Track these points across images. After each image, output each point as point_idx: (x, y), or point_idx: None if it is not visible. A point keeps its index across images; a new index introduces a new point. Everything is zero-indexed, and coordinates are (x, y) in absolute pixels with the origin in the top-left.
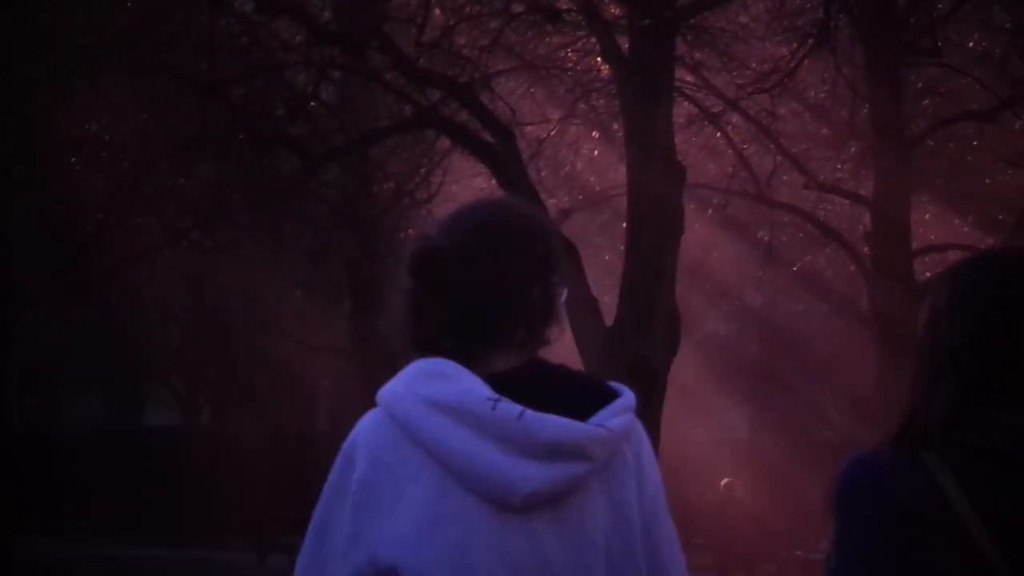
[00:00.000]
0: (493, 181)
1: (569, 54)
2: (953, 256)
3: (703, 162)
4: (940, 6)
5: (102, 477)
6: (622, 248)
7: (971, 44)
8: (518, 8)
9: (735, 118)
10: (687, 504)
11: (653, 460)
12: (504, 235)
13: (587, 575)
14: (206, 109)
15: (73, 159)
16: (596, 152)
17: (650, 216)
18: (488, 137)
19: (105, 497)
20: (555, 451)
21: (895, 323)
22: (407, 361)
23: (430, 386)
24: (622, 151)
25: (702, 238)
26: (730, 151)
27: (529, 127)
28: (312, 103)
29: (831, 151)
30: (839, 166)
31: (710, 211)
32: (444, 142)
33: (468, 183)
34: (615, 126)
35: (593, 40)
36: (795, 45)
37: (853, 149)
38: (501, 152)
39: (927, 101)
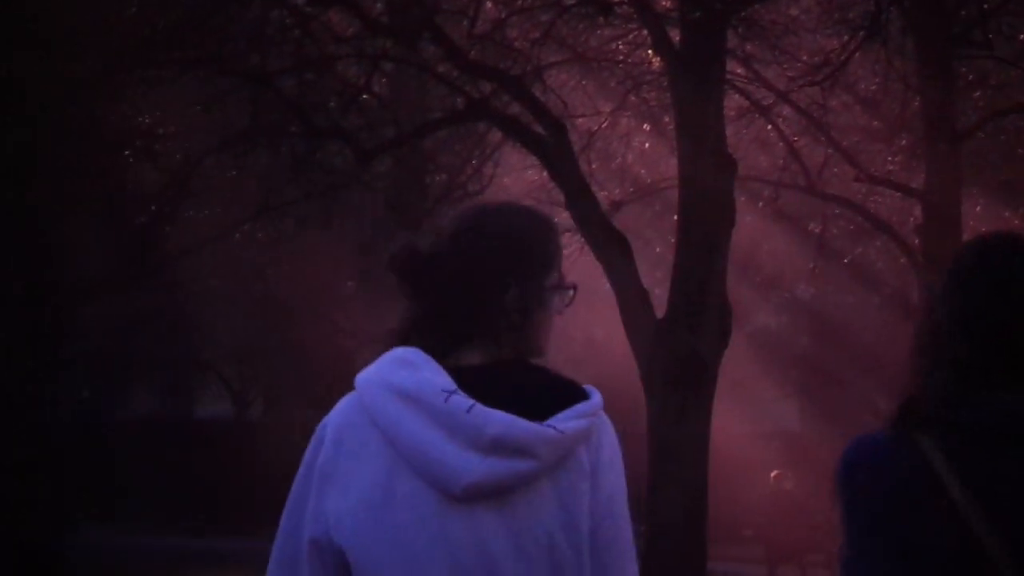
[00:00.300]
0: (544, 173)
1: (620, 47)
2: None
3: (754, 155)
4: None
5: (154, 468)
6: (673, 241)
7: (1022, 36)
8: (570, 1)
9: (786, 111)
10: (737, 496)
11: (615, 465)
12: (477, 240)
13: (528, 567)
14: (258, 102)
15: (127, 152)
16: (647, 145)
17: (701, 209)
18: (540, 129)
19: (157, 487)
20: (499, 446)
21: None
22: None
23: (396, 374)
24: (673, 144)
25: (753, 231)
26: (781, 144)
27: (580, 120)
28: (364, 95)
29: (882, 144)
30: (890, 159)
31: (761, 204)
32: (496, 134)
33: (520, 175)
34: (666, 119)
35: (644, 33)
36: (846, 38)
37: (904, 142)
38: (552, 144)
39: (978, 93)
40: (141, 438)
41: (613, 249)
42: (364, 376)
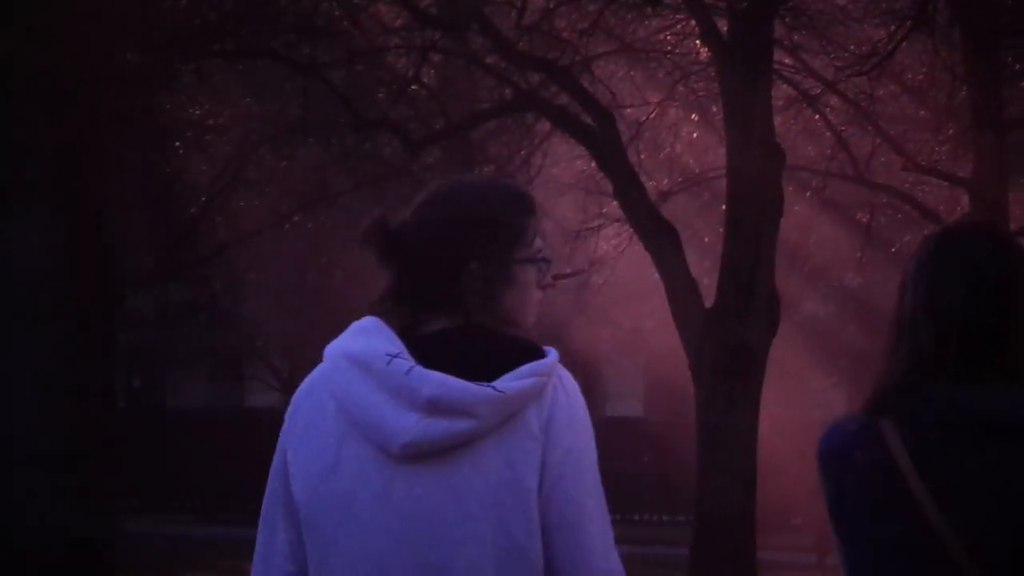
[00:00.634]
0: (593, 164)
1: (668, 37)
2: None
3: (802, 144)
4: None
5: (205, 457)
6: (721, 230)
7: None
8: None
9: (833, 100)
10: (786, 485)
11: (573, 424)
12: (436, 214)
13: (470, 525)
14: (308, 93)
15: (177, 143)
16: (695, 135)
17: (749, 198)
18: (588, 120)
19: (208, 478)
20: (435, 406)
21: None
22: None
23: (352, 341)
24: (721, 134)
25: (801, 220)
26: (828, 133)
27: (628, 110)
28: (413, 86)
29: (929, 133)
30: (937, 148)
31: (808, 193)
32: (544, 125)
33: (568, 166)
34: (714, 109)
35: (692, 23)
36: (893, 27)
37: (951, 131)
38: (601, 135)
39: None
40: (192, 428)
41: (661, 239)
42: (330, 345)
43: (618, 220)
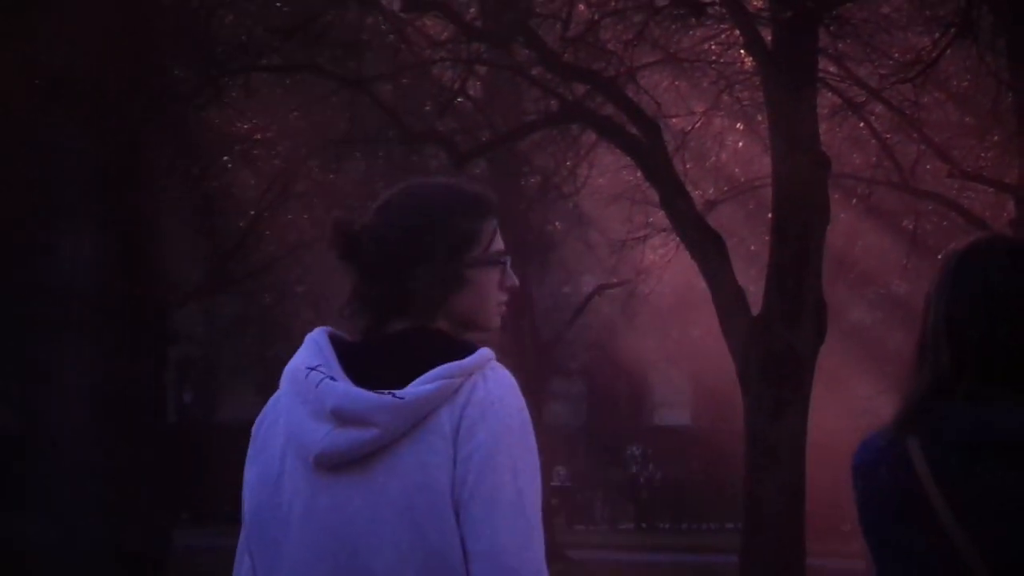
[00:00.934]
0: (639, 173)
1: (713, 47)
2: None
3: (847, 152)
4: None
5: None
6: (767, 239)
7: None
8: (662, 2)
9: (878, 108)
10: (836, 491)
11: (487, 419)
12: (393, 217)
13: (386, 531)
14: (355, 106)
15: (225, 157)
16: (741, 144)
17: (795, 206)
18: (634, 130)
19: None
20: (340, 417)
21: None
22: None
23: (295, 356)
24: (766, 142)
25: (847, 227)
26: (873, 141)
27: (674, 120)
28: (459, 99)
29: (974, 139)
30: (982, 154)
31: (854, 200)
32: (590, 135)
33: (614, 176)
34: (759, 118)
35: (736, 33)
36: (937, 35)
37: (996, 137)
38: (647, 145)
39: None
40: (242, 441)
41: (708, 248)
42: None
43: (664, 229)
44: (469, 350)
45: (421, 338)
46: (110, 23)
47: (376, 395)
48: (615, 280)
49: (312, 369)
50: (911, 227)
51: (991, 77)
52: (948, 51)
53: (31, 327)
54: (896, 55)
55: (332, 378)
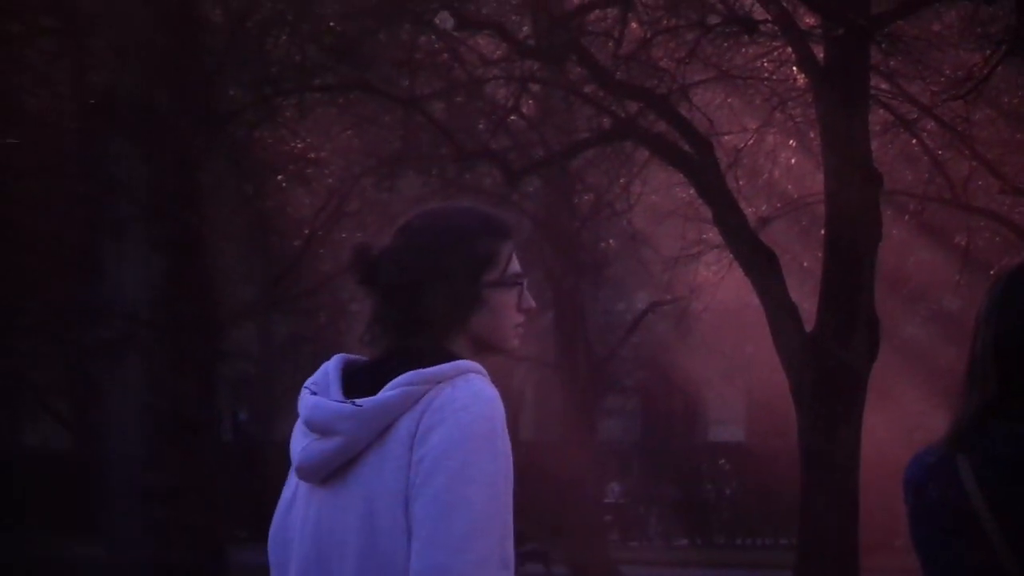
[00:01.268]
0: (691, 190)
1: (765, 64)
2: None
3: (899, 168)
4: None
5: None
6: (820, 255)
7: None
8: (714, 20)
9: (930, 125)
10: (890, 507)
11: (441, 424)
12: (411, 240)
13: (349, 539)
14: (409, 125)
15: (279, 176)
16: (793, 160)
17: (848, 223)
18: (686, 147)
19: None
20: (314, 429)
21: None
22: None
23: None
24: (819, 159)
25: (899, 244)
26: (925, 157)
27: (727, 137)
28: (513, 117)
29: None
30: None
31: (907, 217)
32: (643, 153)
33: (667, 193)
34: (812, 134)
35: (789, 50)
36: (988, 52)
37: None
38: (699, 162)
39: None
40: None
41: (761, 264)
42: None
43: (717, 246)
44: (446, 361)
45: (413, 352)
46: (161, 42)
47: (338, 404)
48: (668, 297)
49: (306, 388)
50: (963, 243)
51: None
52: (999, 68)
53: (86, 349)
54: (947, 72)
55: (314, 393)
